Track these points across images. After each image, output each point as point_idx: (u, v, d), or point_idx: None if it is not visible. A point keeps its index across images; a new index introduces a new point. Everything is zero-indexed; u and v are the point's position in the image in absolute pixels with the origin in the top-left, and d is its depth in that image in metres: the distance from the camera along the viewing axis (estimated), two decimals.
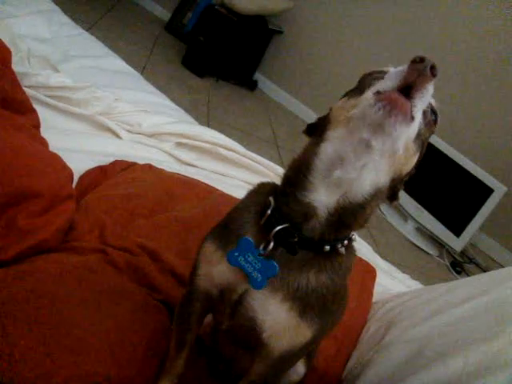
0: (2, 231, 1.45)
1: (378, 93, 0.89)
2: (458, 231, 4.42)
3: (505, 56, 4.63)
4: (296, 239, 1.02)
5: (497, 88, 4.70)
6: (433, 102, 0.99)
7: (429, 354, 1.28)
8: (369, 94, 0.91)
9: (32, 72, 2.40)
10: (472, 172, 4.28)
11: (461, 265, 4.60)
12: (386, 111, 0.86)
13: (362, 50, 5.46)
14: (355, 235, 1.11)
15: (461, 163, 4.35)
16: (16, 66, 2.12)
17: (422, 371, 1.22)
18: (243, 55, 5.93)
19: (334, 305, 1.12)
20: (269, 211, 1.05)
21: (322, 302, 1.07)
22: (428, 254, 4.66)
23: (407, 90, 0.87)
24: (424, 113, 0.94)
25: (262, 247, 1.04)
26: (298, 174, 1.02)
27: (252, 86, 6.21)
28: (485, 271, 4.55)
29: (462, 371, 1.13)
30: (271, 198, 1.07)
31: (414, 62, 0.86)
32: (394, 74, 0.90)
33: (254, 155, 2.67)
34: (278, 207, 1.05)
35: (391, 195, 1.08)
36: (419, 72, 0.86)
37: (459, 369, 1.14)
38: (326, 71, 5.85)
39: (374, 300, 2.03)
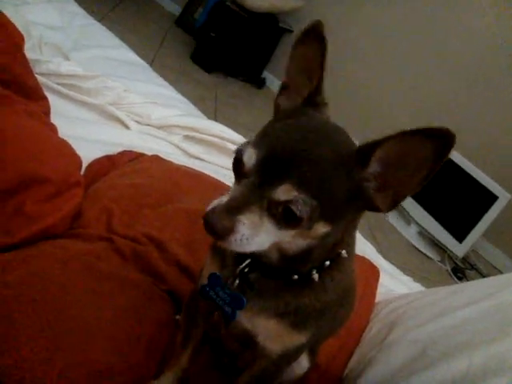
0: (10, 215, 1.45)
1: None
2: (460, 237, 4.42)
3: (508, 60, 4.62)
4: (255, 275, 1.06)
5: (504, 94, 4.70)
6: (284, 197, 0.87)
7: (433, 354, 1.28)
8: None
9: (43, 59, 2.40)
10: (477, 178, 4.27)
11: (462, 271, 4.59)
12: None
13: (372, 49, 5.45)
14: (344, 252, 1.08)
15: (466, 169, 4.34)
16: (28, 53, 2.12)
17: (425, 371, 1.22)
18: (252, 52, 5.93)
19: (332, 315, 1.14)
20: None
21: (314, 314, 1.08)
22: (430, 258, 4.66)
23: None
24: (277, 221, 0.88)
25: (230, 281, 1.09)
26: None
27: (260, 83, 6.21)
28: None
29: (467, 372, 1.13)
30: None
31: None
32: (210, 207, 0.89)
33: None
34: None
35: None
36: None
37: (464, 370, 1.14)
38: (335, 70, 5.84)
39: (376, 300, 2.03)
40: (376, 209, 0.95)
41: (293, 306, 1.06)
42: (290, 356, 1.21)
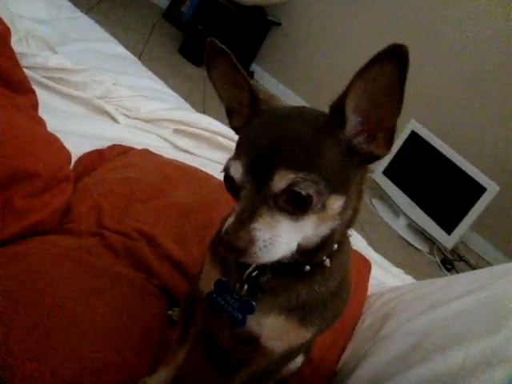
0: None
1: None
2: (449, 229, 4.43)
3: (501, 56, 4.63)
4: (268, 275, 1.04)
5: (492, 87, 4.71)
6: (290, 180, 0.85)
7: (428, 347, 1.27)
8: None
9: (30, 52, 2.37)
10: (465, 170, 4.28)
11: (451, 262, 4.61)
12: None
13: (360, 42, 5.43)
14: (349, 232, 1.09)
15: (454, 161, 4.35)
16: (14, 46, 2.09)
17: (421, 363, 1.22)
18: (240, 46, 5.88)
19: (335, 301, 1.12)
20: None
21: (320, 305, 1.07)
22: (419, 250, 4.67)
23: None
24: (289, 213, 0.87)
25: (237, 287, 1.07)
26: None
27: (249, 76, 6.17)
28: (474, 269, 4.54)
29: (463, 364, 1.12)
30: None
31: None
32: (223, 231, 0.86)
33: None
34: None
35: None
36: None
37: (459, 362, 1.14)
38: (323, 64, 5.84)
39: (368, 293, 2.03)
40: (376, 157, 0.94)
41: (303, 296, 1.04)
42: (293, 353, 1.21)
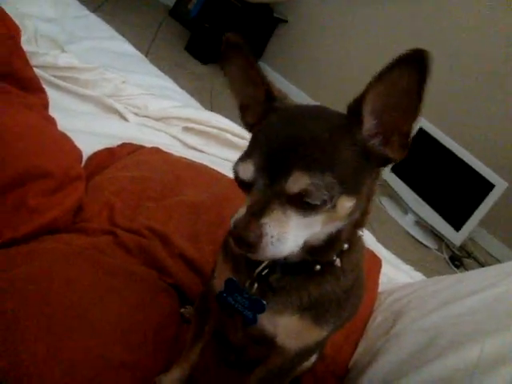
0: (12, 209, 1.44)
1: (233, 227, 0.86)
2: (457, 225, 4.42)
3: (509, 52, 4.61)
4: (277, 274, 1.03)
5: (500, 83, 4.68)
6: (300, 187, 0.84)
7: (442, 343, 1.27)
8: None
9: (40, 52, 2.38)
10: (474, 167, 4.27)
11: (459, 259, 4.60)
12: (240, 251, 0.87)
13: (368, 39, 5.42)
14: (361, 232, 1.08)
15: (463, 158, 4.33)
16: (24, 45, 2.10)
17: (435, 360, 1.22)
18: (247, 43, 5.89)
19: (348, 304, 1.12)
20: None
21: (334, 304, 1.07)
22: (427, 247, 4.66)
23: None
24: (297, 211, 0.85)
25: (247, 285, 1.06)
26: None
27: None
28: (483, 266, 4.56)
29: (478, 361, 1.12)
30: None
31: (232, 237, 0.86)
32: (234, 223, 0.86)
33: None
34: None
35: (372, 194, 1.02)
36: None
37: (474, 359, 1.13)
38: (331, 62, 5.82)
39: (379, 290, 2.03)
40: (390, 160, 0.93)
41: (316, 295, 1.04)
42: (308, 352, 1.21)
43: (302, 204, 0.84)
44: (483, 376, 1.09)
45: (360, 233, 1.08)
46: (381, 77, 0.85)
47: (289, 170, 0.83)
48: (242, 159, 0.90)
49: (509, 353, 1.10)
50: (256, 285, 1.05)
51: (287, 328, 1.07)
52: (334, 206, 0.86)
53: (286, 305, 1.04)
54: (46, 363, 1.11)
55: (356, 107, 0.90)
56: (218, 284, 1.14)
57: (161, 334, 1.36)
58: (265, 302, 1.04)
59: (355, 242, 1.08)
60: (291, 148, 0.85)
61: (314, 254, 1.00)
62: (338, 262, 1.03)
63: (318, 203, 0.84)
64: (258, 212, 0.84)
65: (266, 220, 0.83)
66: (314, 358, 1.42)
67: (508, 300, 1.34)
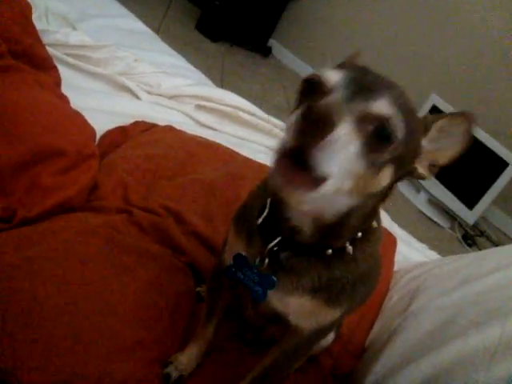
0: (26, 189, 1.43)
1: (279, 151, 0.76)
2: (470, 204, 4.39)
3: None
4: (288, 252, 1.01)
5: None
6: (383, 110, 0.79)
7: (462, 323, 1.26)
8: (276, 151, 0.77)
9: (51, 29, 2.36)
10: (488, 145, 4.22)
11: (472, 238, 4.57)
12: (283, 179, 0.76)
13: (382, 14, 5.35)
14: (377, 223, 1.06)
15: (476, 135, 4.28)
16: (35, 23, 2.07)
17: (456, 339, 1.20)
18: (258, 21, 5.84)
19: (364, 285, 1.10)
20: (260, 220, 1.04)
21: (347, 287, 1.04)
22: (440, 225, 4.64)
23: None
24: (365, 136, 0.77)
25: (258, 261, 1.04)
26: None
27: (266, 52, 6.12)
28: (496, 245, 4.54)
29: (499, 340, 1.11)
30: (268, 201, 1.04)
31: (303, 116, 0.72)
32: (290, 128, 0.74)
33: (275, 120, 2.63)
34: (272, 215, 1.03)
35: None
36: (311, 132, 0.72)
37: (496, 337, 1.12)
38: (342, 39, 5.74)
39: (395, 268, 2.02)
40: (416, 176, 0.96)
41: (326, 279, 1.01)
42: (323, 331, 1.19)
43: (372, 134, 0.77)
44: (504, 356, 1.07)
45: (374, 224, 1.06)
46: (451, 115, 0.94)
47: (380, 94, 0.80)
48: (332, 68, 0.86)
49: None
50: (267, 260, 1.03)
51: (299, 308, 1.05)
52: (377, 170, 0.81)
53: (297, 286, 1.02)
54: (63, 343, 1.11)
55: (431, 120, 0.94)
56: (228, 259, 1.13)
57: (177, 313, 1.36)
58: (275, 279, 1.02)
59: (370, 232, 1.05)
60: (385, 83, 0.85)
61: (323, 235, 0.97)
62: (350, 249, 1.00)
63: (393, 133, 0.79)
64: (331, 114, 0.72)
65: (341, 126, 0.73)
66: (331, 338, 1.41)
67: None
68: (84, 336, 1.15)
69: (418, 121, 0.90)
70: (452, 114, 0.93)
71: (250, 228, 1.09)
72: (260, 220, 1.04)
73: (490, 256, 1.60)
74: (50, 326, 1.12)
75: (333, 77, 0.82)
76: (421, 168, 0.94)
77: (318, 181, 0.74)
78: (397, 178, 0.91)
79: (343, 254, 1.01)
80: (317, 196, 0.76)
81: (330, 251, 0.99)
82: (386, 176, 0.84)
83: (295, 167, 0.74)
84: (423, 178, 0.96)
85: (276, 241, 1.01)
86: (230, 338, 1.45)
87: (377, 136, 0.78)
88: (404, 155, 0.84)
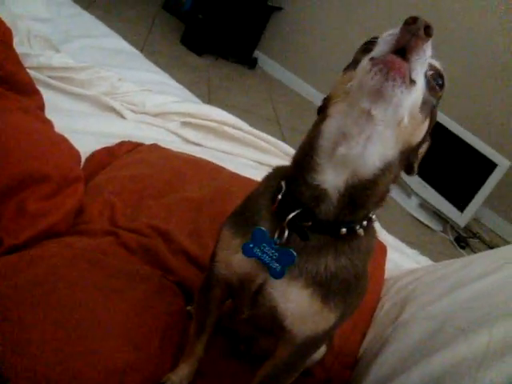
0: (12, 215, 1.43)
1: (372, 59, 0.85)
2: (461, 206, 4.41)
3: (508, 28, 4.58)
4: (309, 223, 0.99)
5: (500, 61, 4.66)
6: (437, 64, 0.94)
7: (450, 331, 1.26)
8: (364, 62, 0.86)
9: (34, 53, 2.37)
10: (475, 147, 4.24)
11: (465, 240, 4.59)
12: (382, 75, 0.82)
13: (364, 25, 5.37)
14: (374, 216, 1.07)
15: (464, 138, 4.31)
16: (17, 47, 2.08)
17: (444, 348, 1.20)
18: (242, 33, 5.86)
19: (357, 287, 1.09)
20: (279, 196, 1.03)
21: (343, 285, 1.04)
22: (432, 229, 4.65)
23: (403, 53, 0.83)
24: (426, 77, 0.90)
25: (276, 236, 1.02)
26: (305, 156, 0.98)
27: (252, 63, 6.15)
28: (489, 246, 4.56)
29: (487, 348, 1.11)
30: (283, 183, 1.04)
31: (406, 23, 0.82)
32: (387, 37, 0.85)
33: (260, 133, 2.64)
34: (290, 192, 1.02)
35: (406, 167, 1.06)
36: (413, 33, 0.81)
37: (484, 345, 1.12)
38: (327, 48, 5.77)
39: (385, 276, 2.02)
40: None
41: (332, 267, 1.01)
42: (315, 342, 1.17)
43: (431, 77, 0.93)
44: (492, 364, 1.07)
45: (374, 218, 1.07)
46: None
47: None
48: None
49: None
50: (287, 232, 1.01)
51: (298, 305, 1.03)
52: (424, 119, 0.94)
53: (302, 270, 1.01)
54: (53, 369, 1.10)
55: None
56: (225, 263, 1.12)
57: (168, 333, 1.36)
58: (295, 253, 1.00)
59: (370, 226, 1.08)
60: None
61: (351, 203, 0.97)
62: (361, 231, 1.02)
63: (440, 88, 0.95)
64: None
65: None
66: (323, 351, 1.41)
67: None
68: (74, 361, 1.14)
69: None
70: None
71: (256, 221, 1.07)
72: (279, 196, 1.03)
73: (478, 261, 1.61)
74: (38, 353, 1.12)
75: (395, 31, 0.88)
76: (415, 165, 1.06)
77: (412, 82, 0.84)
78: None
79: (352, 239, 1.03)
80: (405, 99, 0.84)
81: (344, 230, 0.99)
82: (425, 128, 0.97)
83: (401, 58, 0.83)
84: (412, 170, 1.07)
85: (296, 212, 0.99)
86: (221, 354, 1.45)
87: (434, 79, 0.93)
88: (433, 119, 0.99)
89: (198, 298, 1.31)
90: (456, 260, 1.79)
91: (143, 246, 1.59)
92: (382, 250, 2.17)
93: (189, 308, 1.52)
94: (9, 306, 1.18)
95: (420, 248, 2.73)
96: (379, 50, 0.85)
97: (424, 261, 2.51)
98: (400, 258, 2.35)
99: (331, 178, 0.95)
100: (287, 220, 0.99)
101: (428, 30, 0.81)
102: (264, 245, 1.02)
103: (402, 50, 0.82)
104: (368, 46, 0.92)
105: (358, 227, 1.02)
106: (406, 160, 1.01)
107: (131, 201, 1.78)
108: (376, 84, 0.83)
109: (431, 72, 0.92)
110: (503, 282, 1.35)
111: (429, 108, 0.93)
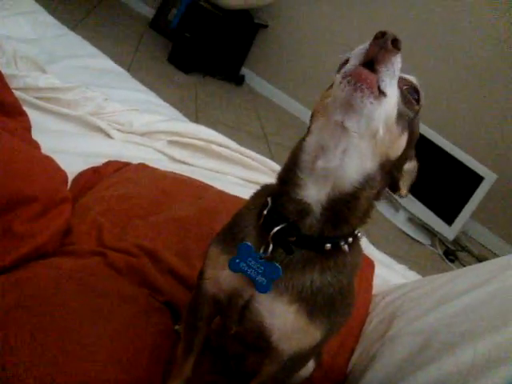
0: None
1: (344, 73, 0.88)
2: (449, 220, 4.43)
3: (495, 43, 4.64)
4: (294, 238, 1.01)
5: (487, 76, 4.71)
6: (412, 78, 0.98)
7: (436, 346, 1.27)
8: (337, 76, 0.90)
9: (20, 74, 2.37)
10: (462, 160, 4.27)
11: (454, 253, 4.60)
12: (351, 86, 0.85)
13: (348, 41, 5.43)
14: (360, 233, 1.08)
15: (450, 152, 4.34)
16: (3, 68, 2.09)
17: (430, 363, 1.21)
18: (229, 50, 5.90)
19: (343, 304, 1.10)
20: (265, 212, 1.05)
21: (329, 301, 1.05)
22: (421, 243, 4.66)
23: (372, 65, 0.86)
24: (402, 91, 0.94)
25: (262, 250, 1.03)
26: (289, 171, 1.02)
27: (239, 81, 6.18)
28: (477, 259, 4.58)
29: (472, 362, 1.12)
30: (269, 199, 1.06)
31: (375, 37, 0.86)
32: (358, 51, 0.89)
33: (247, 151, 2.65)
34: (276, 207, 1.04)
35: (391, 184, 1.07)
36: (380, 46, 0.85)
37: (469, 360, 1.13)
38: (313, 64, 5.82)
39: (373, 292, 2.03)
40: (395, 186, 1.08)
41: (317, 283, 1.02)
42: (301, 359, 1.18)
43: (406, 92, 0.96)
44: (477, 378, 1.08)
45: (360, 235, 1.08)
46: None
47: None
48: None
49: (501, 354, 1.10)
50: (271, 246, 1.02)
51: (284, 321, 1.04)
52: (402, 132, 0.95)
53: (287, 286, 1.02)
54: None
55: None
56: (215, 279, 1.12)
57: (156, 353, 1.36)
58: (280, 267, 1.01)
59: (356, 242, 1.09)
60: None
61: (334, 218, 0.99)
62: (345, 247, 1.03)
63: (416, 101, 0.98)
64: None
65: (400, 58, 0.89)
66: (311, 367, 1.41)
67: (502, 297, 1.33)
68: (61, 383, 1.14)
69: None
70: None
71: (243, 237, 1.08)
72: (265, 212, 1.05)
73: (463, 276, 1.62)
74: (25, 375, 1.11)
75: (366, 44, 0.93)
76: (402, 184, 1.07)
77: (380, 93, 0.87)
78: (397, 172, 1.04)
79: (338, 255, 1.04)
80: (376, 109, 0.87)
81: (328, 246, 1.01)
82: (403, 141, 0.97)
83: (370, 69, 0.86)
84: (400, 194, 1.08)
85: (280, 226, 1.01)
86: (208, 374, 1.45)
87: (410, 93, 0.96)
88: (414, 134, 1.00)
89: (187, 317, 1.32)
90: (442, 275, 1.81)
91: (131, 266, 1.59)
92: (370, 265, 2.18)
93: (176, 327, 1.51)
94: None
95: (409, 262, 2.75)
96: (350, 63, 0.89)
97: (412, 276, 2.52)
98: (388, 274, 2.36)
99: (313, 193, 0.97)
100: (272, 234, 1.01)
101: (396, 43, 0.85)
102: (250, 259, 1.04)
103: (372, 63, 0.86)
104: (345, 64, 0.95)
105: (343, 243, 1.03)
106: (389, 175, 1.02)
107: (118, 220, 1.78)
108: (346, 95, 0.86)
109: (406, 86, 0.96)
110: (488, 296, 1.35)
111: (406, 121, 0.95)
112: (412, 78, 0.98)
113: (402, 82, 0.94)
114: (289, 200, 1.00)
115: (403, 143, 0.97)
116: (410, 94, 0.96)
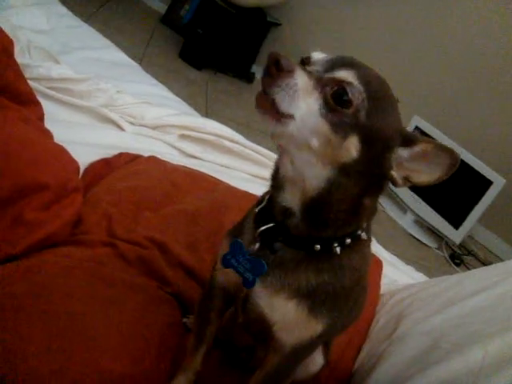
0: (10, 225, 1.43)
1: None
2: (456, 223, 4.43)
3: (504, 49, 4.63)
4: (281, 238, 1.05)
5: (495, 80, 4.70)
6: (343, 75, 0.94)
7: (445, 346, 1.27)
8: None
9: (33, 64, 2.37)
10: (471, 164, 4.27)
11: (460, 257, 4.60)
12: (260, 114, 0.93)
13: (361, 40, 5.43)
14: (362, 234, 1.08)
15: (460, 156, 4.32)
16: (17, 58, 2.09)
17: (439, 363, 1.21)
18: (241, 48, 5.89)
19: (347, 303, 1.13)
20: (256, 210, 1.11)
21: (329, 298, 1.07)
22: (427, 246, 4.67)
23: None
24: (325, 98, 0.92)
25: (252, 248, 1.08)
26: (274, 176, 1.09)
27: (250, 78, 6.17)
28: (483, 263, 4.58)
29: (483, 363, 1.12)
30: (267, 197, 1.11)
31: (266, 65, 0.90)
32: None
33: (258, 147, 2.65)
34: (269, 207, 1.09)
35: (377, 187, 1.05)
36: (265, 73, 0.90)
37: (479, 360, 1.13)
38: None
39: (381, 292, 2.03)
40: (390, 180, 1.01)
41: (313, 282, 1.05)
42: (304, 350, 1.19)
43: (331, 96, 0.91)
44: (487, 379, 1.08)
45: (363, 236, 1.08)
46: (435, 143, 0.98)
47: (343, 68, 0.94)
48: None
49: None
50: (258, 244, 1.07)
51: (284, 314, 1.08)
52: (345, 137, 0.92)
53: (283, 284, 1.06)
54: (49, 381, 1.10)
55: (416, 137, 1.00)
56: (221, 270, 1.17)
57: (163, 345, 1.36)
58: (265, 263, 1.05)
59: (358, 244, 1.08)
60: (359, 64, 0.98)
61: (314, 220, 1.02)
62: (338, 250, 1.04)
63: (349, 97, 0.91)
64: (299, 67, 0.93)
65: (299, 73, 0.91)
66: (320, 364, 1.41)
67: (510, 300, 1.34)
68: (70, 371, 1.14)
69: (391, 107, 0.99)
70: (441, 145, 0.97)
71: (242, 232, 1.15)
72: (257, 209, 1.11)
73: (472, 278, 1.62)
74: (34, 363, 1.11)
75: (318, 56, 1.02)
76: (397, 176, 1.00)
77: (284, 115, 0.90)
78: (374, 170, 0.99)
79: (331, 256, 1.05)
80: (285, 130, 0.91)
81: (318, 247, 1.03)
82: (352, 145, 0.93)
83: (266, 97, 0.90)
84: (397, 186, 1.02)
85: (268, 225, 1.06)
86: (218, 367, 1.45)
87: (336, 97, 0.91)
88: (370, 130, 0.94)
89: (199, 308, 1.33)
90: (451, 276, 1.81)
91: (140, 258, 1.59)
92: (378, 264, 2.18)
93: (185, 320, 1.52)
94: (5, 316, 1.18)
95: (415, 264, 2.74)
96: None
97: (419, 277, 2.52)
98: (395, 274, 2.36)
99: (290, 197, 1.03)
100: (258, 232, 1.07)
101: (278, 66, 0.88)
102: (240, 255, 1.09)
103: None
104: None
105: (335, 245, 1.04)
106: (369, 174, 1.00)
107: (128, 212, 1.78)
108: (260, 114, 0.94)
109: (334, 89, 0.92)
110: (497, 298, 1.36)
111: (348, 125, 0.92)
112: (344, 74, 0.93)
113: (331, 84, 0.92)
114: (275, 202, 1.06)
115: (352, 146, 0.93)
116: (336, 99, 0.91)
